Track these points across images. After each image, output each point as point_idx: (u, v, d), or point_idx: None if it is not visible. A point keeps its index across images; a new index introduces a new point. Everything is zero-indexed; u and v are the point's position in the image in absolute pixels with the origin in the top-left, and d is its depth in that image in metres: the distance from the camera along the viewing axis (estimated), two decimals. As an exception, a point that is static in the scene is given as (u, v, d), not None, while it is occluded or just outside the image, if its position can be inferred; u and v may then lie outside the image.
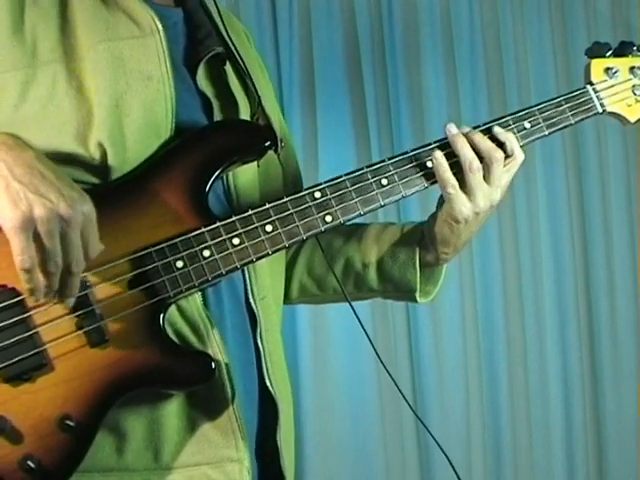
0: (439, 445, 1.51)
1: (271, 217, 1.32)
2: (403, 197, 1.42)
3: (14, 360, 1.18)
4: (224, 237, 1.29)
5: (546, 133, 1.50)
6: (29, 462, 1.17)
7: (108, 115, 1.26)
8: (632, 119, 1.58)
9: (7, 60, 1.25)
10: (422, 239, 1.52)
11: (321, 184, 1.37)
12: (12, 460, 1.17)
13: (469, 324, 3.36)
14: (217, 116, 1.39)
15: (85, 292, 1.21)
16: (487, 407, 3.39)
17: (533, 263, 3.45)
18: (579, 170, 3.52)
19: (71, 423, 1.19)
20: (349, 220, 1.38)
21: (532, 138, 1.49)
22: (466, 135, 1.42)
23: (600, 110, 1.55)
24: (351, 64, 3.34)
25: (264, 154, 1.37)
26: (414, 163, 1.42)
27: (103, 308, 1.23)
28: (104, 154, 1.26)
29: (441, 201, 1.46)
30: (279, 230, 1.32)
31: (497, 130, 1.45)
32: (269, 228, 1.32)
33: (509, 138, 1.44)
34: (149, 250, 1.26)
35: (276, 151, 1.40)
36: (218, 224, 1.29)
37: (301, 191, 1.36)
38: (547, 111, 1.50)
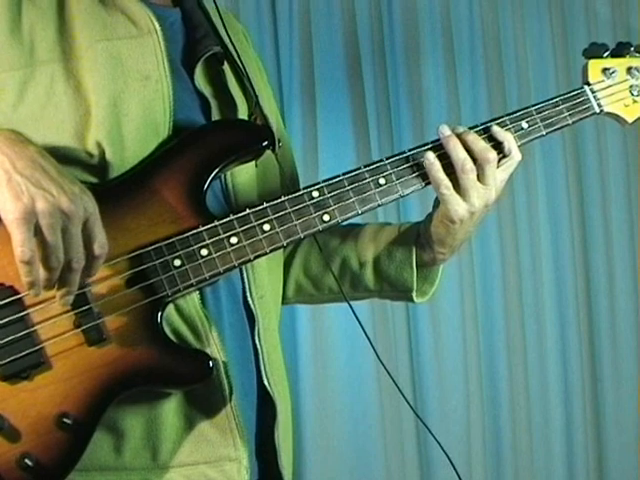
0: (438, 443, 1.51)
1: (269, 216, 1.33)
2: (401, 197, 1.42)
3: (12, 358, 1.18)
4: (222, 236, 1.30)
5: (543, 133, 1.50)
6: (27, 460, 1.17)
7: (106, 114, 1.27)
8: (629, 119, 1.58)
9: (5, 60, 1.25)
10: (418, 239, 1.52)
11: (319, 183, 1.37)
12: (10, 458, 1.17)
13: (469, 324, 3.36)
14: (215, 115, 1.40)
15: (83, 290, 1.21)
16: (487, 407, 3.39)
17: (533, 263, 3.45)
18: (579, 169, 3.52)
19: (69, 421, 1.19)
20: (347, 219, 1.39)
21: (530, 138, 1.49)
22: (460, 135, 1.42)
23: (597, 110, 1.55)
24: (351, 64, 3.34)
25: (262, 154, 1.37)
26: (411, 163, 1.42)
27: (101, 306, 1.23)
28: (102, 153, 1.27)
29: (437, 201, 1.46)
30: (277, 229, 1.33)
31: (495, 129, 1.45)
32: (267, 227, 1.32)
33: (507, 138, 1.44)
34: (147, 249, 1.26)
35: (274, 151, 1.40)
36: (216, 223, 1.30)
37: (299, 190, 1.36)
38: (544, 111, 1.50)
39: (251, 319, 1.39)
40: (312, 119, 3.28)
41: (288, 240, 1.34)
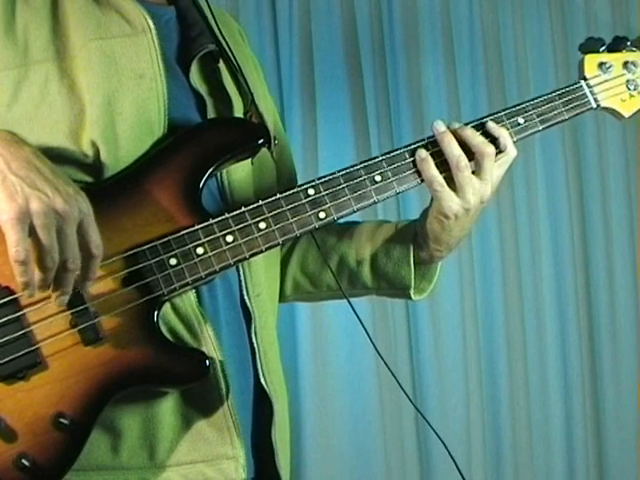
0: (438, 435, 1.52)
1: (264, 214, 1.32)
2: (397, 193, 1.41)
3: (8, 358, 1.18)
4: (217, 234, 1.29)
5: (540, 128, 1.50)
6: (24, 460, 1.17)
7: (100, 113, 1.27)
8: (626, 114, 1.58)
9: (-1, 60, 1.25)
10: (416, 237, 1.51)
11: (314, 181, 1.37)
12: (6, 459, 1.17)
13: (469, 321, 3.36)
14: (210, 114, 1.39)
15: (79, 290, 1.21)
16: (487, 404, 3.38)
17: (533, 259, 3.45)
18: (579, 164, 3.51)
19: (65, 421, 1.19)
20: (343, 217, 1.38)
21: (526, 134, 1.48)
22: (456, 131, 1.42)
23: (594, 105, 1.55)
24: (351, 63, 3.33)
25: (257, 151, 1.37)
26: (407, 160, 1.42)
27: (97, 306, 1.23)
28: (97, 152, 1.27)
29: (432, 198, 1.45)
30: (272, 227, 1.32)
31: (490, 125, 1.44)
32: (262, 225, 1.32)
33: (502, 133, 1.44)
34: (142, 248, 1.26)
35: (270, 148, 1.40)
36: (211, 221, 1.29)
37: (294, 188, 1.36)
38: (541, 106, 1.50)
39: (248, 317, 1.39)
40: (312, 117, 3.28)
41: (284, 238, 1.33)
